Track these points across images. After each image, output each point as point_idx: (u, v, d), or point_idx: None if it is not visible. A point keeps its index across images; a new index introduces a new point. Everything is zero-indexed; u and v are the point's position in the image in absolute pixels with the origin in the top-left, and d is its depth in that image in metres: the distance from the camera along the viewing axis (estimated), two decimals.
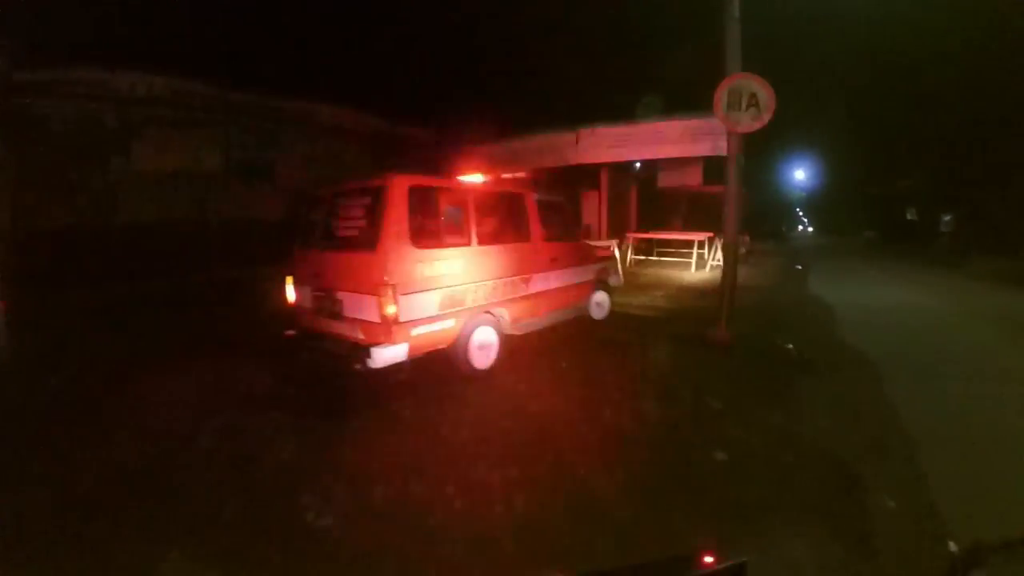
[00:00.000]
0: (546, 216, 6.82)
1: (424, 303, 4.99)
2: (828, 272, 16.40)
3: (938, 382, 5.40)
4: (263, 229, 14.74)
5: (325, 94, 17.45)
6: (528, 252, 6.39)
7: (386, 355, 4.71)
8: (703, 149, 13.57)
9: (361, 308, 4.94)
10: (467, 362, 5.53)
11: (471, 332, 5.54)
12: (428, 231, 5.23)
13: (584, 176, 17.32)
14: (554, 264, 6.78)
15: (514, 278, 6.10)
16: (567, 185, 16.68)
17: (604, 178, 17.69)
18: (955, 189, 24.81)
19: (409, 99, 20.65)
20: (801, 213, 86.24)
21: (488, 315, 5.77)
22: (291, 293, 5.91)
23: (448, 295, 5.22)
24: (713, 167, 15.63)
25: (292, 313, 5.94)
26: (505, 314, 6.00)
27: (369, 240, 4.89)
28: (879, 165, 33.67)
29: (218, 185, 14.72)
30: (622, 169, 18.00)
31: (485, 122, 17.54)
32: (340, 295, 5.16)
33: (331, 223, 5.59)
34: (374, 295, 4.74)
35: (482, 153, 16.15)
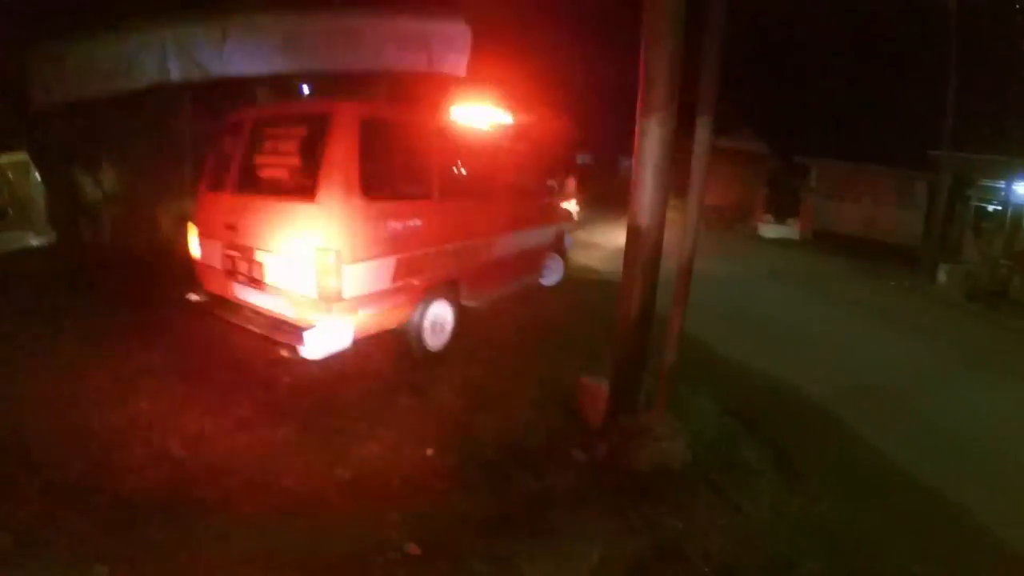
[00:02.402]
0: (512, 165, 6.13)
1: (375, 274, 4.02)
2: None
3: None
4: None
5: None
6: (492, 210, 5.56)
7: (323, 342, 3.77)
8: (413, 63, 9.11)
9: (291, 276, 3.94)
10: (420, 344, 4.65)
11: (427, 308, 4.63)
12: (382, 179, 4.17)
13: (229, 99, 10.76)
14: (518, 224, 6.04)
15: (477, 241, 5.23)
16: (201, 113, 10.55)
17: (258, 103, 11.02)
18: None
19: None
20: None
21: (445, 287, 4.86)
22: (195, 247, 4.77)
23: (404, 263, 4.23)
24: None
25: (196, 273, 4.86)
26: (463, 285, 5.09)
27: (305, 187, 3.86)
28: None
29: None
30: (287, 91, 11.52)
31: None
32: (262, 256, 4.08)
33: (252, 160, 4.47)
34: (310, 260, 3.72)
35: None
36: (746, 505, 3.20)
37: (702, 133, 2.93)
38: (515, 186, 6.04)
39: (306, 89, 11.10)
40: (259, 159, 4.45)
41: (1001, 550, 3.24)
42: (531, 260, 6.63)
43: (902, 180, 18.46)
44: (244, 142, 4.55)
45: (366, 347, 4.31)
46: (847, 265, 13.66)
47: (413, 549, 2.59)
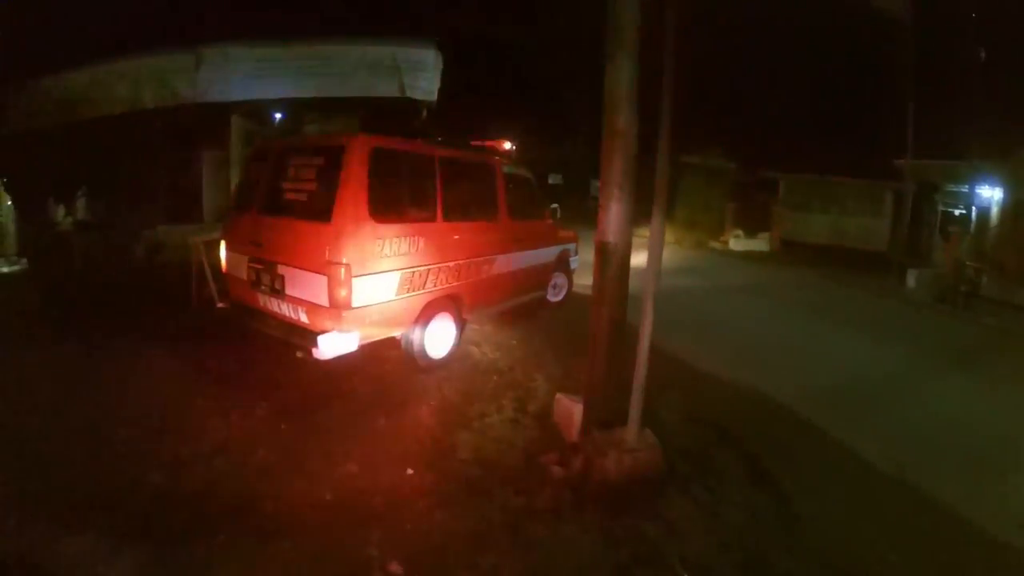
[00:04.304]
0: (513, 191, 6.46)
1: (380, 286, 4.48)
2: None
3: None
4: None
5: None
6: (493, 231, 5.98)
7: (334, 345, 4.22)
8: (386, 88, 9.23)
9: (307, 287, 4.42)
10: (421, 352, 5.04)
11: (428, 319, 5.06)
12: (390, 203, 4.64)
13: (202, 126, 10.93)
14: (518, 245, 6.40)
15: (477, 259, 5.65)
16: (174, 141, 10.87)
17: (232, 130, 10.92)
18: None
19: None
20: None
21: (447, 300, 5.29)
22: (224, 260, 5.37)
23: (407, 278, 4.72)
24: (377, 118, 9.86)
25: (225, 283, 5.48)
26: (464, 299, 5.52)
27: (321, 209, 4.35)
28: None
29: None
30: (260, 118, 11.61)
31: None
32: (282, 269, 4.60)
33: (276, 184, 5.01)
34: (323, 274, 4.22)
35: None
36: (721, 509, 3.27)
37: (657, 221, 3.14)
38: (515, 209, 6.38)
39: (278, 116, 11.17)
40: (282, 184, 4.95)
41: (971, 532, 3.37)
42: (533, 278, 6.98)
43: (868, 189, 18.84)
44: (269, 169, 5.08)
45: (372, 352, 4.78)
46: (817, 274, 13.85)
47: (395, 568, 2.61)
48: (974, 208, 15.02)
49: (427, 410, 4.34)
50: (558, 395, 3.98)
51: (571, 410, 3.72)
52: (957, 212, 16.62)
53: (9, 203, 9.56)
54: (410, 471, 3.44)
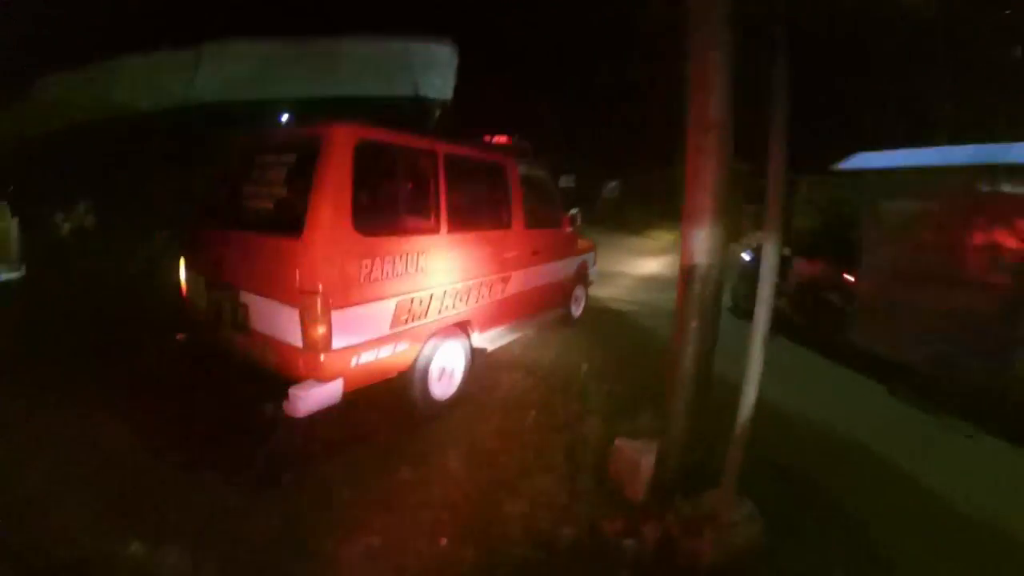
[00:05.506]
0: (530, 194, 5.48)
1: (370, 320, 3.53)
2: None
3: None
4: None
5: None
6: (508, 242, 5.03)
7: (310, 399, 3.24)
8: (399, 88, 8.62)
9: (274, 322, 3.45)
10: (425, 394, 4.11)
11: (433, 354, 4.13)
12: (379, 210, 3.84)
13: (204, 133, 9.18)
14: (537, 258, 5.48)
15: (491, 277, 4.74)
16: (174, 145, 9.80)
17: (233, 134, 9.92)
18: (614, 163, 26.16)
19: None
20: None
21: (455, 328, 4.38)
22: (184, 283, 4.46)
23: (405, 306, 3.76)
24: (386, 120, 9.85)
25: (184, 310, 4.49)
26: (476, 325, 4.62)
27: (290, 220, 3.38)
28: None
29: None
30: (263, 122, 10.31)
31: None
32: (245, 297, 3.66)
33: (240, 191, 4.10)
34: (294, 305, 3.27)
35: None
36: None
37: (770, 242, 2.55)
38: (533, 216, 5.50)
39: (284, 119, 10.63)
40: (247, 190, 4.08)
41: None
42: (555, 295, 6.18)
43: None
44: (234, 172, 4.28)
45: (362, 398, 3.77)
46: None
47: None
48: None
49: (456, 461, 3.57)
50: (617, 441, 3.27)
51: (636, 461, 3.04)
52: None
53: (7, 207, 9.19)
54: (443, 541, 2.79)
